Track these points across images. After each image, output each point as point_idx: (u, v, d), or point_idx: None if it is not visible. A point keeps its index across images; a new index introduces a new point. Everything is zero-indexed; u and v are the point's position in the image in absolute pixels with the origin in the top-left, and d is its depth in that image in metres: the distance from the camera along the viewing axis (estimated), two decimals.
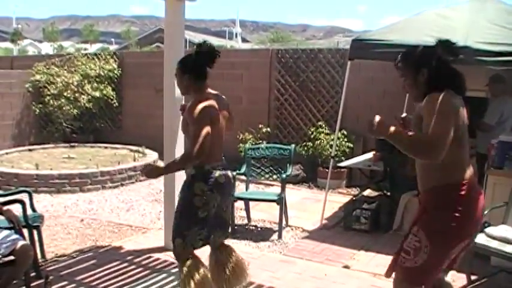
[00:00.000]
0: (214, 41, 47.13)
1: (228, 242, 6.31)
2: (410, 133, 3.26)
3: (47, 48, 48.27)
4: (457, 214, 3.08)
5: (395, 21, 7.58)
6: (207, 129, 3.88)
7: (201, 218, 4.03)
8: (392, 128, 3.05)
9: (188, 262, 4.11)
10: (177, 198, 4.33)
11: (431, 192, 3.21)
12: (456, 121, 3.02)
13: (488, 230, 5.01)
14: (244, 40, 64.48)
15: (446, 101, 3.01)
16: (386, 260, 5.61)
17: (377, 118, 3.07)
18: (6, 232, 4.31)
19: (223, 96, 4.32)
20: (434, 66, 3.17)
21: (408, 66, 3.25)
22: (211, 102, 4.03)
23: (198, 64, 4.15)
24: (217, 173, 4.09)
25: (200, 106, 3.93)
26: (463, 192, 3.11)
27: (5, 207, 4.58)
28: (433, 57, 3.20)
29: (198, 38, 42.86)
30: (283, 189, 6.71)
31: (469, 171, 3.19)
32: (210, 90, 4.21)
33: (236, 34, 63.82)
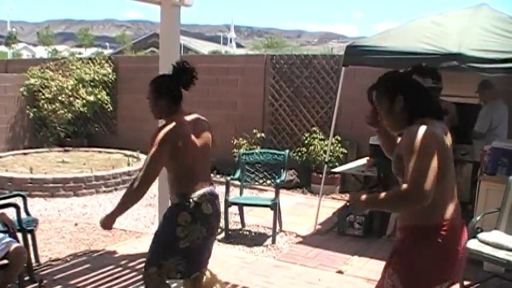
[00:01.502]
0: (209, 46, 47.20)
1: (222, 247, 6.36)
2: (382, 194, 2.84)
3: (41, 52, 48.18)
4: (436, 258, 2.77)
5: (390, 28, 7.62)
6: (156, 157, 3.56)
7: (182, 248, 3.64)
8: (375, 197, 2.80)
9: None
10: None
11: (409, 231, 2.92)
12: (441, 155, 2.70)
13: (481, 235, 5.03)
14: (238, 45, 64.52)
15: (427, 134, 2.68)
16: (380, 265, 5.63)
17: (362, 197, 2.84)
18: (0, 235, 4.31)
19: (204, 119, 4.17)
20: (411, 92, 2.87)
21: (382, 93, 2.94)
22: (178, 124, 3.81)
23: (175, 86, 3.96)
24: (203, 204, 3.71)
25: (162, 131, 3.67)
26: (443, 233, 2.76)
27: (0, 211, 4.59)
28: (409, 83, 2.94)
29: (192, 43, 42.93)
30: (277, 194, 6.72)
31: (452, 207, 2.86)
32: (185, 115, 4.02)
33: (231, 39, 63.95)
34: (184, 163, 3.71)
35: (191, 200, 3.67)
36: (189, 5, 5.94)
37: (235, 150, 9.80)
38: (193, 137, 3.83)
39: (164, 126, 3.72)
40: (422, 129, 2.70)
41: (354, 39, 10.87)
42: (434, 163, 2.63)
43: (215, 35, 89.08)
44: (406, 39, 6.52)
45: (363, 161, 7.82)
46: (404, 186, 2.62)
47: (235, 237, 6.73)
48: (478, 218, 5.24)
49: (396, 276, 2.83)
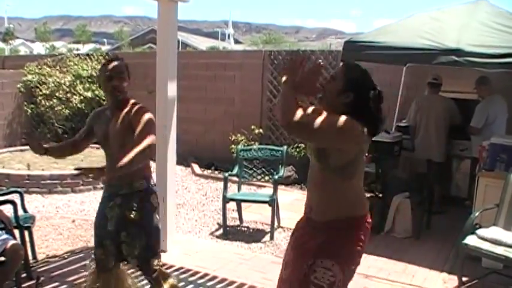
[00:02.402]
0: (207, 42, 47.16)
1: (221, 243, 6.35)
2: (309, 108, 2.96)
3: (39, 48, 48.20)
4: (364, 241, 2.96)
5: (388, 23, 7.60)
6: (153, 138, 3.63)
7: (159, 230, 3.91)
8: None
9: (171, 281, 3.91)
10: (169, 199, 4.26)
11: (340, 223, 2.91)
12: (358, 147, 2.84)
13: (479, 231, 5.02)
14: (236, 41, 64.54)
15: (355, 124, 2.75)
16: (379, 261, 5.66)
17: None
18: None
19: None
20: (363, 101, 2.82)
21: (343, 77, 2.89)
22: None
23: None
24: (155, 185, 3.96)
25: (149, 115, 3.70)
26: (369, 220, 2.97)
27: None
28: (370, 92, 2.85)
29: (190, 39, 42.90)
30: (275, 190, 6.70)
31: (367, 201, 3.05)
32: None
33: (229, 35, 63.86)
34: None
35: (151, 181, 3.87)
36: (186, 0, 5.93)
37: (233, 146, 9.81)
38: None
39: (143, 108, 3.78)
40: (354, 121, 2.75)
41: (352, 35, 10.85)
42: (336, 129, 2.72)
43: (213, 31, 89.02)
44: (405, 35, 6.51)
45: None
46: (299, 116, 2.67)
47: (233, 234, 6.72)
48: (477, 214, 5.24)
49: (337, 267, 2.85)
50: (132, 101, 3.84)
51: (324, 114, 2.82)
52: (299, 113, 2.67)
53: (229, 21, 66.89)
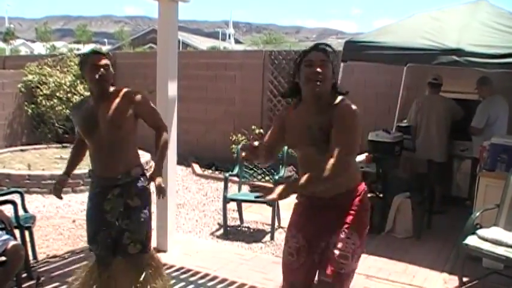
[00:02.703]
0: (208, 42, 47.15)
1: (221, 243, 6.35)
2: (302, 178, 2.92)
3: (39, 48, 48.13)
4: (367, 209, 3.17)
5: (389, 24, 7.60)
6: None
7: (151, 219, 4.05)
8: (301, 182, 2.88)
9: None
10: (170, 199, 4.27)
11: (348, 194, 3.09)
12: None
13: (480, 231, 5.02)
14: (237, 41, 64.54)
15: (359, 113, 2.91)
16: (379, 261, 5.65)
17: (276, 191, 2.91)
18: None
19: None
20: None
21: (330, 63, 2.99)
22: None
23: None
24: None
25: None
26: (366, 188, 3.19)
27: None
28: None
29: (191, 38, 42.89)
30: None
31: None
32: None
33: (229, 35, 63.86)
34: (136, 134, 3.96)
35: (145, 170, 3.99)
36: (187, 0, 5.92)
37: (233, 146, 9.80)
38: None
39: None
40: (356, 107, 2.91)
41: (352, 35, 10.85)
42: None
43: (214, 31, 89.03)
44: (405, 35, 6.51)
45: (362, 157, 7.78)
46: (333, 161, 2.78)
47: (234, 234, 6.72)
48: (477, 214, 5.23)
49: (356, 235, 3.03)
50: (125, 89, 3.93)
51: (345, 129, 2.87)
52: (332, 165, 2.79)
53: (229, 21, 66.92)
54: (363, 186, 3.15)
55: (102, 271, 4.03)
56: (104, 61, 3.82)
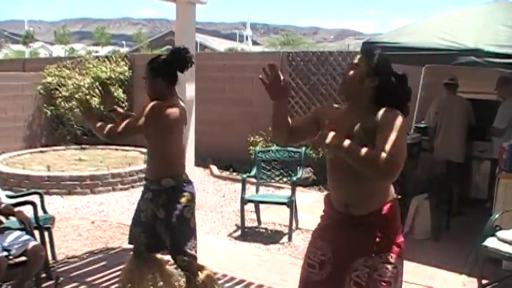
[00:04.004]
0: (225, 43, 47.25)
1: (239, 244, 6.36)
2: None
3: (58, 50, 48.49)
4: (399, 224, 2.93)
5: (407, 24, 7.56)
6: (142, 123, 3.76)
7: (192, 228, 3.94)
8: (347, 141, 2.65)
9: (204, 273, 4.03)
10: None
11: (380, 212, 2.84)
12: None
13: (499, 233, 4.98)
14: (254, 43, 64.49)
15: (404, 121, 2.73)
16: None
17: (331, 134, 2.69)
18: (17, 233, 4.35)
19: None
20: (387, 84, 2.82)
21: (368, 65, 2.84)
22: (178, 110, 3.88)
23: (173, 69, 3.92)
24: (190, 183, 4.02)
25: (157, 105, 3.77)
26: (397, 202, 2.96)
27: (17, 209, 4.62)
28: (393, 76, 2.84)
29: (209, 40, 43.01)
30: (293, 192, 6.69)
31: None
32: (179, 99, 4.01)
33: (247, 37, 63.82)
34: (179, 144, 3.95)
35: (184, 179, 3.96)
36: (204, 2, 5.96)
37: (251, 147, 9.80)
38: (182, 121, 3.97)
39: (168, 106, 3.81)
40: (400, 115, 2.72)
41: (370, 36, 10.82)
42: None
43: (231, 32, 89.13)
44: (423, 35, 6.47)
45: None
46: (384, 155, 2.55)
47: (252, 235, 6.73)
48: (497, 216, 5.19)
49: (397, 259, 2.81)
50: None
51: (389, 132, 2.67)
52: (378, 154, 2.58)
53: (247, 22, 66.78)
54: (393, 203, 2.90)
55: (143, 269, 4.14)
56: (145, 72, 3.96)
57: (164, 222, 3.85)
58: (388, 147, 2.57)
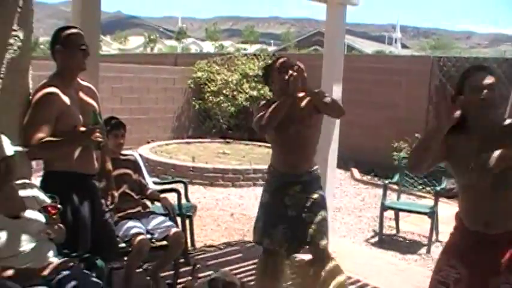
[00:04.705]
0: (373, 45, 46.58)
1: (375, 251, 6.23)
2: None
3: (208, 47, 50.21)
4: None
5: None
6: None
7: None
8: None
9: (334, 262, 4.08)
10: (328, 201, 4.25)
11: None
12: None
13: None
14: (404, 46, 62.96)
15: None
16: None
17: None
18: (161, 218, 4.54)
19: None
20: None
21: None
22: None
23: None
24: None
25: None
26: None
27: (162, 195, 4.84)
28: None
29: (357, 42, 42.61)
30: (436, 202, 6.46)
31: None
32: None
33: (396, 39, 62.50)
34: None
35: None
36: (356, 4, 5.87)
37: (395, 153, 9.56)
38: None
39: None
40: None
41: None
42: None
43: (380, 34, 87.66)
44: None
45: None
46: None
47: (389, 243, 6.55)
48: None
49: None
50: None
51: None
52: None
53: (397, 25, 65.42)
54: None
55: (270, 265, 4.13)
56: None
57: (320, 204, 4.01)
58: None
